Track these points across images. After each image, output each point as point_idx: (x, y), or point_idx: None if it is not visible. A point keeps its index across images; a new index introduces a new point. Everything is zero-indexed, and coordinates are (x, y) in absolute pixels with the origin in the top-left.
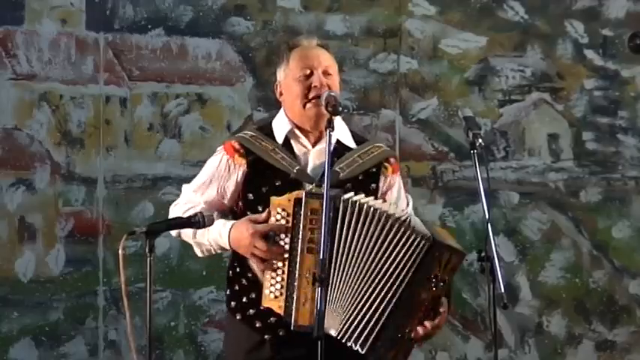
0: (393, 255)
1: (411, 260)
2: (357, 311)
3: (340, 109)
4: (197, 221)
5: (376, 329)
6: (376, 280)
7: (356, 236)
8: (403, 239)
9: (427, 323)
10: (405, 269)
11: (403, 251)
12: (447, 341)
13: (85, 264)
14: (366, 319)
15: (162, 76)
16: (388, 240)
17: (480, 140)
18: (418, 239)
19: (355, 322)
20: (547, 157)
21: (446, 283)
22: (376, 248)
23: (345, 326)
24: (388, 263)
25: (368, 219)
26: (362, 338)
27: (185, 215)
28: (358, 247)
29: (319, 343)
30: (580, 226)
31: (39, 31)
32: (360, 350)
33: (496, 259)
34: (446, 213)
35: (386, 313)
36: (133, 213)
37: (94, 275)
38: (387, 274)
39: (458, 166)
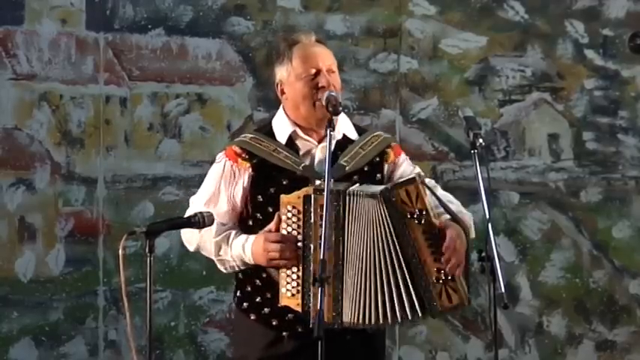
0: (375, 226)
1: (385, 220)
2: (374, 294)
3: (340, 108)
4: (197, 221)
5: (404, 294)
6: (382, 257)
7: (361, 227)
8: (371, 208)
9: (443, 258)
10: (388, 231)
11: (377, 218)
12: (448, 341)
13: (85, 264)
14: (387, 296)
15: (162, 76)
16: (368, 216)
17: (481, 140)
18: (374, 201)
19: (378, 305)
20: (547, 157)
21: (425, 213)
22: (367, 229)
23: (365, 314)
24: (378, 236)
25: (358, 205)
26: (416, 310)
27: (200, 232)
28: (359, 234)
29: (319, 343)
30: (580, 226)
31: (39, 31)
32: (411, 321)
33: (496, 259)
34: None
35: (405, 276)
36: (133, 213)
37: (94, 275)
38: (384, 247)
39: (458, 166)
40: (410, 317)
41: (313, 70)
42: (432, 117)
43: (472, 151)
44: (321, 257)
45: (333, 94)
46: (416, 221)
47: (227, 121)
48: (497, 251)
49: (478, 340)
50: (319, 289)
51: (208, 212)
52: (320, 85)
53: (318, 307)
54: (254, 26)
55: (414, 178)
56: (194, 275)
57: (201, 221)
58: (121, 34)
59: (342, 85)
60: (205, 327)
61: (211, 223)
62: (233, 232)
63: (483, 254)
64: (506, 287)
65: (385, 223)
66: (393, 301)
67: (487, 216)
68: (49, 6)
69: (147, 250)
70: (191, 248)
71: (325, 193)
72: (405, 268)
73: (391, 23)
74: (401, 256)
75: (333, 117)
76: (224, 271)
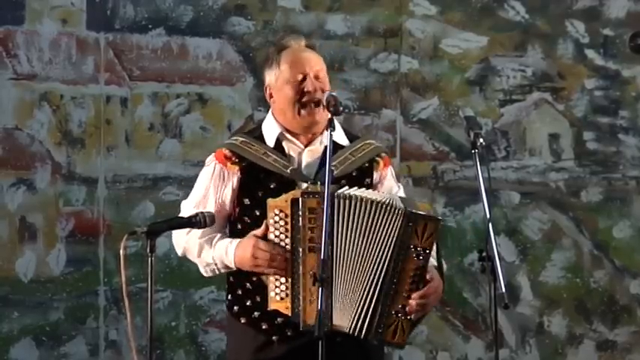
0: (378, 237)
1: (391, 237)
2: (360, 303)
3: (341, 109)
4: (198, 221)
5: (369, 312)
6: (371, 267)
7: (353, 229)
8: (383, 219)
9: (414, 294)
10: (387, 247)
11: (384, 231)
12: (448, 341)
13: (85, 264)
14: (365, 307)
15: (162, 75)
16: (374, 225)
17: (481, 140)
18: (394, 215)
19: (362, 314)
20: (548, 157)
21: (428, 253)
22: (367, 236)
23: (354, 321)
24: (377, 247)
25: (360, 210)
26: (365, 327)
27: (188, 235)
28: (355, 239)
29: (320, 342)
30: (581, 226)
31: (39, 31)
32: (362, 337)
33: (497, 259)
34: (447, 213)
35: (376, 294)
36: (133, 213)
37: (95, 275)
38: (376, 258)
39: (459, 165)
40: (351, 331)
41: (300, 76)
42: (433, 117)
43: (473, 151)
44: (322, 257)
45: (333, 94)
46: (414, 255)
47: (228, 121)
48: (497, 251)
49: (479, 340)
50: (319, 289)
51: (210, 212)
52: (306, 89)
53: (318, 308)
54: (254, 26)
55: (439, 219)
56: (195, 275)
57: (202, 221)
58: (122, 34)
59: (342, 86)
60: (206, 327)
61: (212, 223)
62: (218, 235)
63: (484, 254)
64: (506, 287)
65: (388, 239)
66: (357, 309)
67: (488, 216)
68: (49, 6)
69: (148, 250)
70: (179, 252)
71: (325, 193)
72: (379, 286)
73: (392, 23)
74: (383, 275)
75: (334, 117)
76: (205, 274)
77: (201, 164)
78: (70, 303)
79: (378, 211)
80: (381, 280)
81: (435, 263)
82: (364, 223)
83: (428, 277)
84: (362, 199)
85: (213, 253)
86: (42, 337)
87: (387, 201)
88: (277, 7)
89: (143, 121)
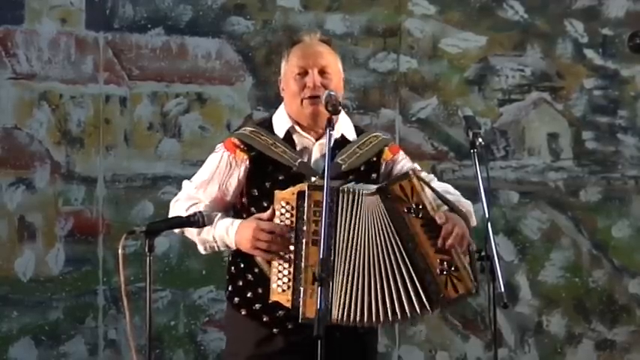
0: (378, 222)
1: (384, 216)
2: (373, 293)
3: (340, 108)
4: (196, 221)
5: (410, 290)
6: (379, 256)
7: (355, 225)
8: (373, 204)
9: (438, 242)
10: (388, 226)
11: (380, 214)
12: (447, 340)
13: (84, 263)
14: (394, 293)
15: (161, 75)
16: (372, 213)
17: (480, 139)
18: (374, 195)
19: (378, 304)
20: (547, 157)
21: (423, 206)
22: (369, 227)
23: (352, 312)
24: (380, 233)
25: (362, 206)
26: (410, 308)
27: (187, 212)
28: (359, 232)
29: (319, 342)
30: (580, 226)
31: (39, 31)
32: (419, 317)
33: (496, 259)
34: None
35: (410, 271)
36: (132, 212)
37: (94, 275)
38: (381, 245)
39: (458, 165)
40: (419, 313)
41: (302, 70)
42: (432, 116)
43: (472, 151)
44: (321, 256)
45: (332, 93)
46: (413, 215)
47: (227, 120)
48: (496, 250)
49: (478, 339)
50: (318, 287)
51: (208, 212)
52: (307, 84)
53: (318, 306)
54: (254, 26)
55: (407, 173)
56: (194, 275)
57: (200, 221)
58: (121, 34)
59: (345, 85)
60: (205, 326)
61: (210, 223)
62: (219, 214)
63: (483, 253)
64: (505, 286)
65: (384, 220)
66: (401, 298)
67: (487, 215)
68: (48, 5)
69: (146, 249)
70: (176, 230)
71: (325, 191)
72: (408, 263)
73: (391, 23)
74: (403, 252)
75: (333, 116)
76: (202, 252)
77: (200, 164)
78: (69, 302)
79: (363, 200)
80: (405, 258)
81: (446, 207)
82: (358, 215)
83: (439, 221)
84: (354, 191)
85: (213, 232)
86: (41, 336)
87: (366, 189)
88: (276, 7)
89: (142, 121)
